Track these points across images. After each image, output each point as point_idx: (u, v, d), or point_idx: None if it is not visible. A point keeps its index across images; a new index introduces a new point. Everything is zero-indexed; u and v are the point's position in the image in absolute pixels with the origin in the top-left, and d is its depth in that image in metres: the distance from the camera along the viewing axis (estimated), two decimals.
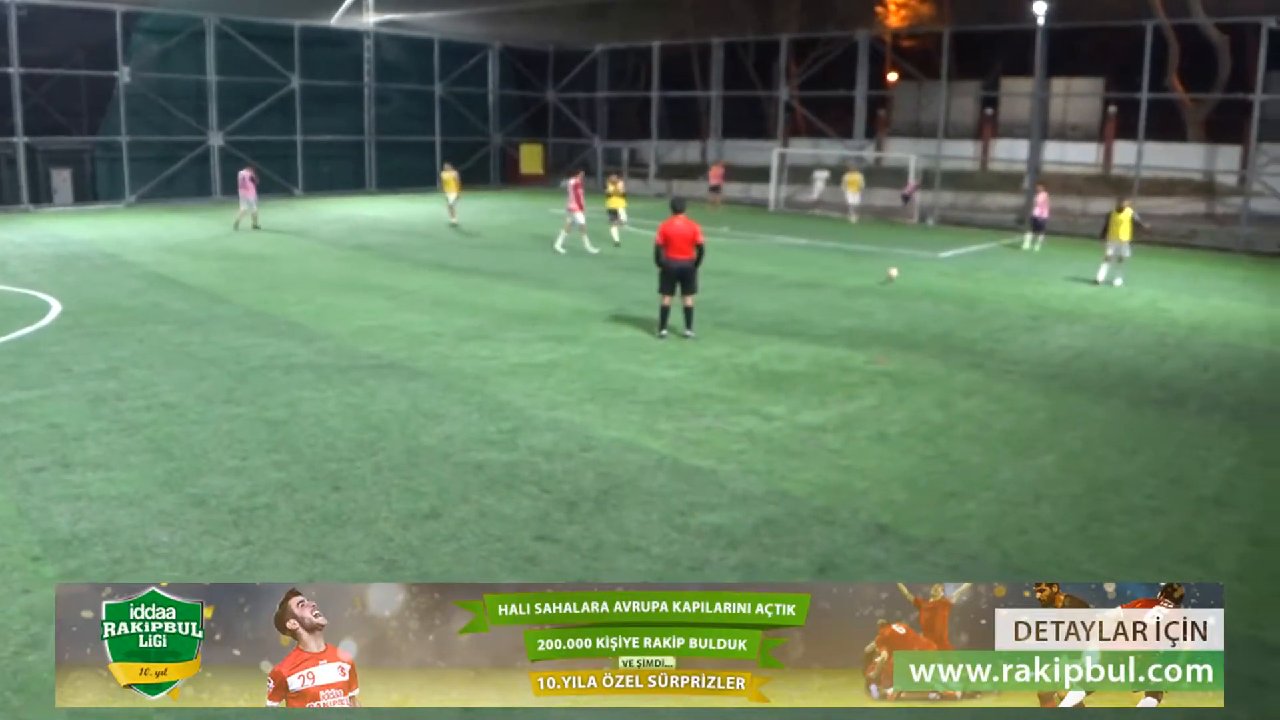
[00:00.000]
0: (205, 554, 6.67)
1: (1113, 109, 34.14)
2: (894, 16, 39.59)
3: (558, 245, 22.95)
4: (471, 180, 41.38)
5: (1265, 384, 12.49)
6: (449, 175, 28.08)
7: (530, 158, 44.41)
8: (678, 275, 13.50)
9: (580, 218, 22.70)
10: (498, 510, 7.57)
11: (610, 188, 24.49)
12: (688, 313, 13.73)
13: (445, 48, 40.09)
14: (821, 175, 34.31)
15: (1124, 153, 32.29)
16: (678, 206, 13.71)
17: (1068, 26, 31.75)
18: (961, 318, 16.13)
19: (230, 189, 33.84)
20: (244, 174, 25.86)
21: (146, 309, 15.12)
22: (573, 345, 13.30)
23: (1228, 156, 32.10)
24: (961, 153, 35.93)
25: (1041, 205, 25.88)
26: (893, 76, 39.84)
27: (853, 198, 32.38)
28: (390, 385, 11.02)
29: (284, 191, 35.57)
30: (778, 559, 6.83)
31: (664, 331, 13.68)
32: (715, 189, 35.57)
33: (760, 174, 36.89)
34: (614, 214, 24.14)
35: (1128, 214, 20.08)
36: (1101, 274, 20.10)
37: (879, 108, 39.20)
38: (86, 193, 31.64)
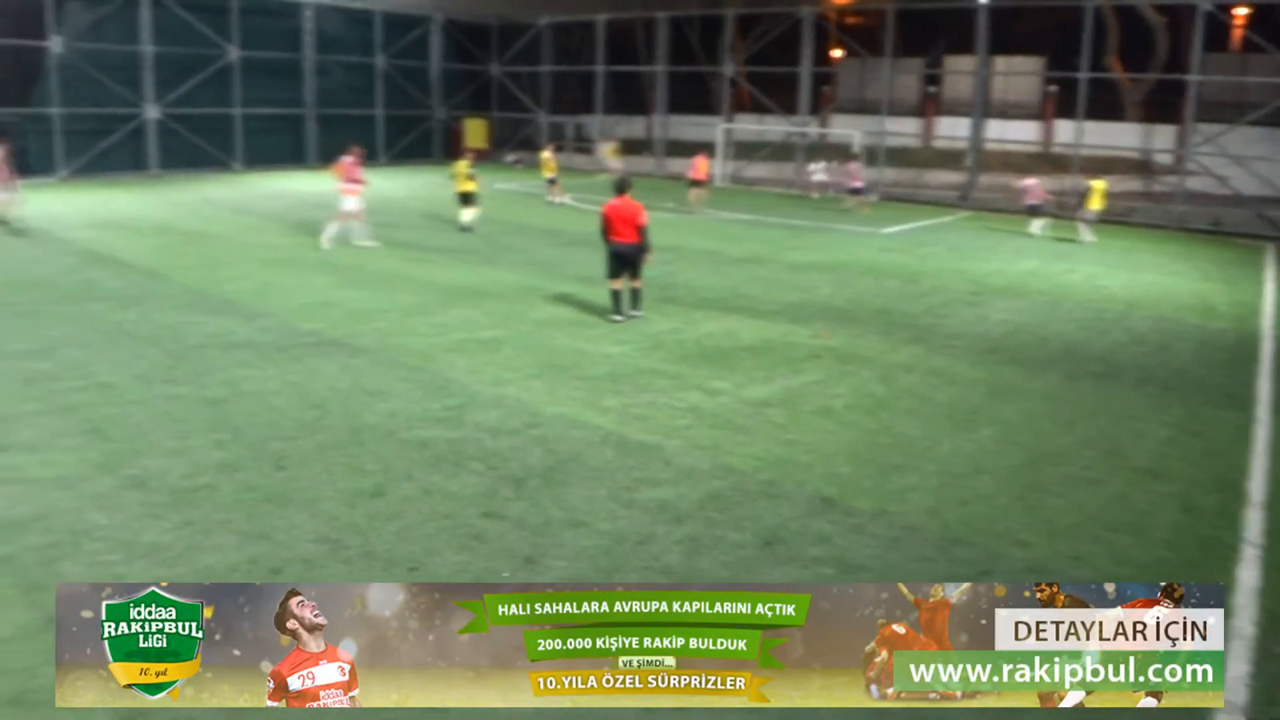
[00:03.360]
0: (145, 536, 6.57)
1: (1053, 88, 34.59)
2: None
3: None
4: (414, 155, 41.02)
5: (1196, 358, 12.78)
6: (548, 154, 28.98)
7: (474, 132, 43.98)
8: (621, 259, 13.19)
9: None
10: (443, 488, 7.54)
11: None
12: (634, 293, 13.58)
13: (387, 20, 39.49)
14: (818, 165, 34.08)
15: (1064, 131, 32.75)
16: (620, 187, 13.32)
17: (1009, 5, 32.08)
18: (903, 293, 16.30)
19: (169, 163, 33.22)
20: None
21: (80, 286, 14.77)
22: (518, 321, 13.24)
23: (1164, 136, 32.69)
24: (905, 129, 36.21)
25: (851, 175, 28.46)
26: (837, 53, 40.01)
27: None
28: (332, 363, 10.90)
29: (222, 166, 34.91)
30: (724, 533, 6.88)
31: (618, 316, 13.36)
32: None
33: (705, 150, 36.84)
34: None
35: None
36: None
37: (823, 84, 39.32)
38: (17, 166, 30.69)
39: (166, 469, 7.74)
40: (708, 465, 8.21)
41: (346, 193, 18.75)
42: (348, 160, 19.18)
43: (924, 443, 8.99)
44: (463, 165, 22.01)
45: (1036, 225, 24.65)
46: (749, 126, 38.22)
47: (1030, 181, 25.24)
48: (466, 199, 21.86)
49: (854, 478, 8.06)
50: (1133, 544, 6.97)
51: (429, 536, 6.70)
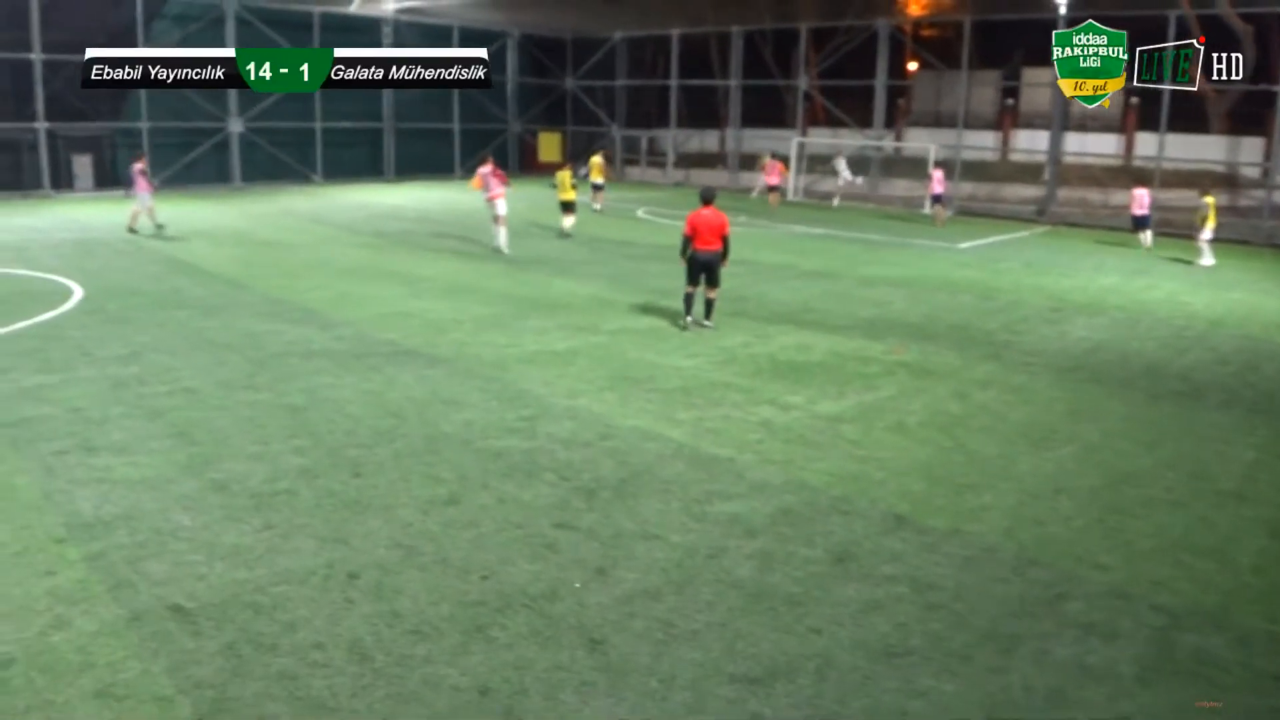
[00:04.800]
0: (228, 538, 6.73)
1: (1134, 100, 33.86)
2: (914, 5, 39.26)
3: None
4: None
5: None
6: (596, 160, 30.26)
7: (548, 146, 44.37)
8: (703, 266, 13.47)
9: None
10: (517, 497, 7.61)
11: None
12: (708, 304, 13.72)
13: (464, 35, 40.00)
14: (842, 162, 34.04)
15: (1145, 144, 32.06)
16: (707, 197, 13.55)
17: (1089, 16, 31.50)
18: (979, 309, 16.09)
19: (252, 175, 34.03)
20: (136, 166, 22.62)
21: (167, 294, 15.21)
22: (591, 334, 13.33)
23: (1250, 148, 31.82)
24: (981, 143, 35.76)
25: (938, 182, 28.61)
26: (913, 66, 39.61)
27: (846, 173, 34.28)
28: (409, 372, 11.08)
29: (303, 178, 35.70)
30: (795, 548, 6.85)
31: (688, 318, 13.67)
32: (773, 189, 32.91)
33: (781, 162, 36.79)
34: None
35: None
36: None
37: (898, 97, 38.97)
38: (107, 179, 31.76)
39: (248, 473, 7.93)
40: (780, 480, 8.18)
41: (494, 198, 20.16)
42: (485, 170, 20.47)
43: (1000, 461, 8.85)
44: (566, 174, 23.50)
45: (1146, 238, 24.01)
46: (823, 140, 38.04)
47: (1140, 191, 24.42)
48: (567, 207, 23.18)
49: (928, 495, 7.97)
50: (1216, 570, 6.79)
51: (502, 545, 6.77)
